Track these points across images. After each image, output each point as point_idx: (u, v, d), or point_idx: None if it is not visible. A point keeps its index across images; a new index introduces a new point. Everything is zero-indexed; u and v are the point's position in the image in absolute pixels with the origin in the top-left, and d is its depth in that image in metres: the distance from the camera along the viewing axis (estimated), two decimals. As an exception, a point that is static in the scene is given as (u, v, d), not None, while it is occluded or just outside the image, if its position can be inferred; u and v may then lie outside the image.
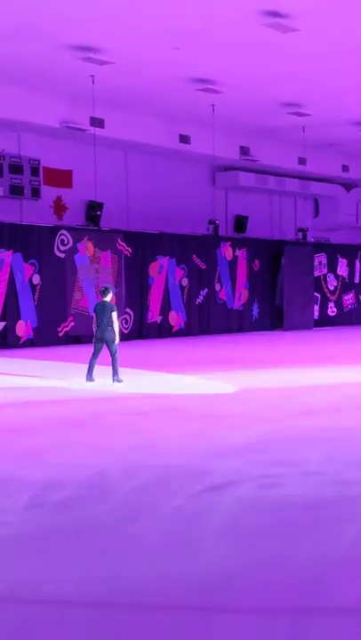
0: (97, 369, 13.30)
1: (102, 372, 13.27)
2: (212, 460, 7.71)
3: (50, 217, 23.26)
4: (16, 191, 21.89)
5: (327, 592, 4.57)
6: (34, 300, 21.41)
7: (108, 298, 13.52)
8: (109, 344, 13.16)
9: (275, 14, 15.28)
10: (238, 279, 27.44)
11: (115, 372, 13.08)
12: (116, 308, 13.57)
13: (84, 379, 13.21)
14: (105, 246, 23.33)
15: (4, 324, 20.55)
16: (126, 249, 23.87)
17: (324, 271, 31.19)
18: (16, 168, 21.84)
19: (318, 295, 30.67)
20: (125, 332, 23.25)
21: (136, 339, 23.57)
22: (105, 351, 13.24)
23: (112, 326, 13.16)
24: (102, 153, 23.23)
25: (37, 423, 9.92)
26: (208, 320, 26.39)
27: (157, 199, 25.93)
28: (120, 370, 13.25)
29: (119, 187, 25.00)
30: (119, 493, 6.57)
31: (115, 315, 13.27)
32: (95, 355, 13.26)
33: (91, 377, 13.17)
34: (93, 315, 13.61)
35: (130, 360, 15.72)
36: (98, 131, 22.12)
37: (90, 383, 13.09)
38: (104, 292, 13.62)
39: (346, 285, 32.42)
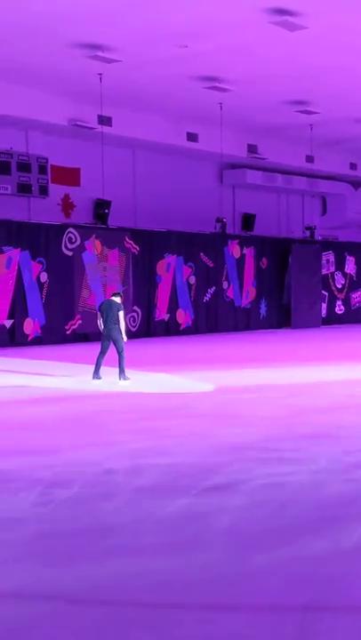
0: (104, 368, 13.31)
1: (110, 371, 13.28)
2: (218, 458, 7.72)
3: (58, 215, 23.30)
4: (24, 189, 21.93)
5: (335, 591, 4.57)
6: (41, 298, 21.44)
7: (118, 299, 13.54)
8: (116, 342, 13.18)
9: (283, 12, 15.26)
10: (246, 277, 27.44)
11: (121, 371, 13.10)
12: (123, 307, 13.59)
13: (91, 377, 13.24)
14: (113, 244, 23.35)
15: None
16: (134, 247, 23.89)
17: (332, 269, 31.16)
18: (24, 166, 21.88)
19: (326, 293, 30.64)
20: (133, 329, 23.27)
21: (144, 336, 23.58)
22: (112, 349, 13.26)
23: (118, 324, 13.19)
24: (110, 151, 23.25)
25: (44, 421, 9.95)
26: (215, 318, 26.39)
27: (165, 197, 25.94)
28: (127, 368, 13.27)
29: (127, 185, 25.02)
30: (125, 492, 6.59)
31: (122, 314, 13.30)
32: (102, 353, 13.29)
33: (98, 375, 13.20)
34: (98, 312, 13.63)
35: (137, 358, 15.74)
36: (105, 129, 22.14)
37: (97, 381, 13.12)
38: (115, 295, 13.68)
39: (353, 283, 32.38)
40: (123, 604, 4.41)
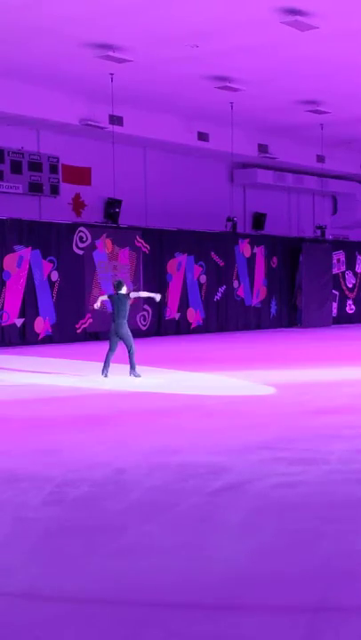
0: (114, 366, 13.33)
1: (120, 369, 13.31)
2: (230, 457, 7.73)
3: (68, 214, 23.35)
4: (35, 188, 22.00)
5: (347, 591, 4.59)
6: (52, 297, 21.50)
7: (124, 290, 13.54)
8: (125, 338, 13.18)
9: (294, 12, 15.26)
10: (256, 276, 27.43)
11: (132, 367, 13.11)
12: (130, 291, 13.67)
13: (100, 373, 13.23)
14: (123, 243, 23.39)
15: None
16: (145, 246, 23.92)
17: (343, 268, 31.12)
18: (35, 165, 21.94)
19: (337, 293, 30.61)
20: (143, 328, 23.33)
21: (154, 335, 23.63)
22: (121, 348, 13.29)
23: (126, 320, 13.20)
24: (121, 150, 23.29)
25: (55, 420, 9.98)
26: (226, 317, 26.40)
27: (176, 196, 25.97)
28: (138, 366, 13.30)
29: (138, 184, 25.06)
30: (135, 491, 6.61)
31: (133, 294, 13.39)
32: (111, 350, 13.27)
33: (106, 372, 13.17)
34: (107, 298, 13.64)
35: (148, 357, 15.77)
36: (117, 128, 22.17)
37: (105, 378, 13.09)
38: (118, 286, 13.60)
39: (364, 283, 32.36)
40: (133, 604, 4.44)
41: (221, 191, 27.45)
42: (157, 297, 14.39)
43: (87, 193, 23.86)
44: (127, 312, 13.26)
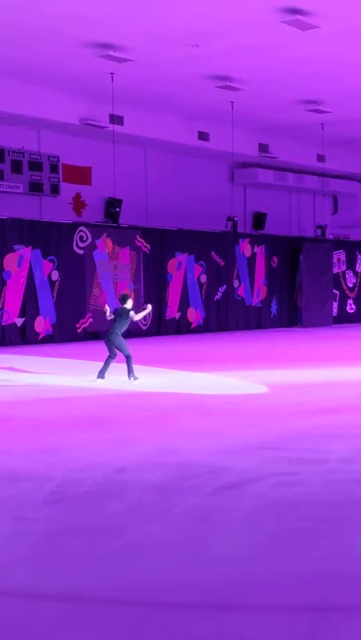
0: (113, 367, 13.26)
1: (118, 370, 13.29)
2: (230, 457, 7.73)
3: (69, 213, 23.35)
4: (35, 188, 22.01)
5: (346, 591, 4.59)
6: (52, 297, 21.51)
7: (129, 305, 13.45)
8: (121, 349, 13.12)
9: (295, 11, 15.27)
10: (257, 276, 27.43)
11: (130, 371, 13.04)
12: (132, 308, 13.55)
13: (96, 376, 13.17)
14: (124, 243, 23.39)
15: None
16: (145, 245, 23.92)
17: (343, 268, 31.13)
18: (35, 165, 21.96)
19: (337, 292, 30.61)
20: (144, 328, 23.33)
21: (154, 335, 23.63)
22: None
23: (120, 332, 13.14)
24: (121, 150, 23.29)
25: (55, 420, 9.98)
26: (226, 316, 26.40)
27: (176, 196, 25.98)
28: (138, 366, 13.26)
29: (138, 183, 25.06)
30: (135, 491, 6.61)
31: (132, 313, 13.32)
32: (111, 357, 13.20)
33: (102, 375, 13.10)
34: (112, 315, 13.50)
35: (148, 357, 15.76)
36: (117, 128, 22.18)
37: (101, 380, 13.04)
38: (123, 300, 13.56)
39: (365, 282, 32.36)
40: (134, 603, 4.44)
41: (222, 191, 27.45)
42: (149, 307, 14.26)
43: (87, 192, 23.86)
44: (125, 327, 13.21)
